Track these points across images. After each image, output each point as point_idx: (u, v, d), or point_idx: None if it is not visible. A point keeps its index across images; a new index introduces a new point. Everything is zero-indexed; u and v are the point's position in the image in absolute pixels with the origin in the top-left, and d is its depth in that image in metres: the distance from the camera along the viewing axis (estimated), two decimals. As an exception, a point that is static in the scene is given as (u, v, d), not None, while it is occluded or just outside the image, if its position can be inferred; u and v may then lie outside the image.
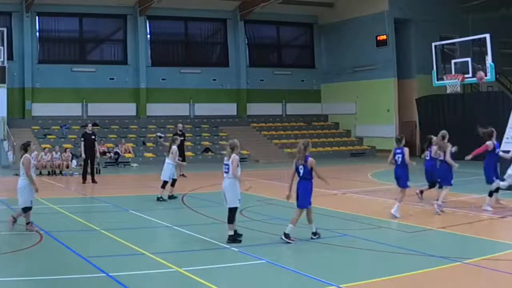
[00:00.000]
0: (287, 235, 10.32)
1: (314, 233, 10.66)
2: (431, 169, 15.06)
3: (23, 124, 30.44)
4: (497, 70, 28.16)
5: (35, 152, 24.30)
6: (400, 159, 13.00)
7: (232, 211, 10.45)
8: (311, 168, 10.56)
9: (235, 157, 10.40)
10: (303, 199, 10.55)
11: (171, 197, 16.20)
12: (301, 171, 10.61)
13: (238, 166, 10.45)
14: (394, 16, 33.44)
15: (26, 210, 11.32)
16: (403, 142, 13.26)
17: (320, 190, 18.30)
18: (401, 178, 13.08)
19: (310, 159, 10.57)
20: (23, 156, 11.39)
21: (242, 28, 36.48)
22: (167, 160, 16.33)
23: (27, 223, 11.37)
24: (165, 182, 16.21)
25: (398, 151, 13.08)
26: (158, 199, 15.95)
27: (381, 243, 10.26)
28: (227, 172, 10.43)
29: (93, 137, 21.32)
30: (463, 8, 33.10)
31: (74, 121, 31.79)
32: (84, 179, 20.70)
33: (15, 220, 11.31)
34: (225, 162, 10.51)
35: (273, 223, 12.59)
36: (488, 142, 14.10)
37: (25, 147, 11.54)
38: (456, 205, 14.50)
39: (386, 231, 11.68)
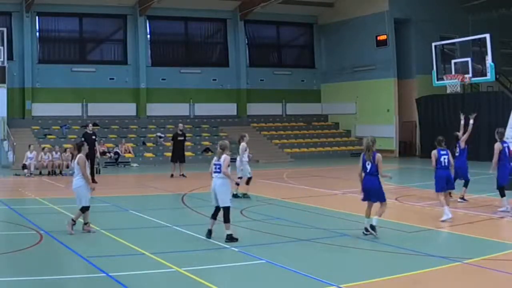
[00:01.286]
0: (373, 227, 10.64)
1: (372, 227, 10.69)
2: (463, 167, 15.03)
3: (23, 124, 30.44)
4: (497, 70, 28.17)
5: (34, 152, 24.36)
6: (446, 160, 12.69)
7: (227, 210, 10.51)
8: (377, 164, 10.68)
9: (226, 157, 10.62)
10: (382, 194, 10.82)
11: (245, 195, 16.22)
12: (369, 167, 10.70)
13: (228, 165, 10.59)
14: (394, 16, 33.43)
15: (84, 209, 11.23)
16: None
17: (320, 190, 18.39)
18: (451, 179, 12.97)
19: (378, 155, 10.70)
20: (78, 156, 11.27)
21: (242, 28, 36.47)
22: (244, 158, 16.36)
23: (85, 223, 11.31)
24: (249, 179, 16.28)
25: (444, 152, 12.72)
26: (244, 195, 16.08)
27: (381, 243, 10.25)
28: (218, 172, 10.57)
29: (93, 137, 21.32)
30: (463, 8, 33.09)
31: (74, 121, 31.77)
32: (84, 179, 20.65)
33: (74, 222, 11.16)
34: (215, 162, 10.68)
35: (273, 223, 12.59)
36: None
37: (79, 147, 11.45)
38: (456, 205, 14.49)
39: (386, 231, 11.66)
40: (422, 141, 32.74)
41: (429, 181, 17.16)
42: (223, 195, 10.51)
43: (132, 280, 8.00)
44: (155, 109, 34.10)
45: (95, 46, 34.50)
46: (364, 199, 10.90)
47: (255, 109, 36.43)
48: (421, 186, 18.67)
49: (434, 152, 12.81)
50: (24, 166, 23.78)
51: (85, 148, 11.66)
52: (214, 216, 10.69)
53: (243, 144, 16.43)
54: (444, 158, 12.69)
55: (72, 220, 11.21)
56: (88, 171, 11.45)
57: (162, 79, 34.51)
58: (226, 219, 10.46)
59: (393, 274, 8.28)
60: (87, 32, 33.98)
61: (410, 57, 33.84)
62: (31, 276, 8.17)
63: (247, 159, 16.38)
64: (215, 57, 36.97)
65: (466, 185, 15.18)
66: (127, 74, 33.74)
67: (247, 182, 16.36)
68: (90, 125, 22.66)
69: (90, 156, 20.99)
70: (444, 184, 12.72)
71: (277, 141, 33.99)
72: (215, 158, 10.77)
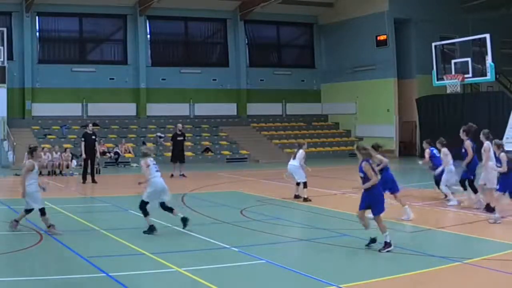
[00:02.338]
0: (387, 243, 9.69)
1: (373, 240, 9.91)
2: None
3: (23, 124, 30.44)
4: (497, 70, 28.19)
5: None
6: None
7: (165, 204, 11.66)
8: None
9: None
10: None
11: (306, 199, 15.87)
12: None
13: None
14: (394, 16, 33.43)
15: (42, 212, 11.12)
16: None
17: (319, 190, 18.38)
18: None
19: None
20: (28, 160, 11.24)
21: (242, 28, 36.48)
22: (294, 163, 16.22)
23: (49, 226, 11.13)
24: (304, 183, 16.07)
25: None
26: (305, 199, 15.71)
27: (381, 243, 10.23)
28: (159, 171, 11.73)
29: (93, 137, 21.33)
30: (463, 8, 33.09)
31: (74, 121, 31.78)
32: (84, 179, 20.70)
33: (17, 222, 11.20)
34: (154, 163, 11.84)
35: (273, 223, 12.58)
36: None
37: (31, 151, 11.31)
38: (456, 205, 14.48)
39: (386, 231, 11.66)
40: (422, 141, 32.67)
41: (429, 181, 17.19)
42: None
43: (132, 280, 8.01)
44: (155, 109, 34.11)
45: (95, 46, 34.53)
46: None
47: (255, 109, 36.43)
48: (421, 186, 18.67)
49: (380, 157, 12.66)
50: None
51: (38, 153, 11.63)
52: (170, 210, 11.53)
53: (302, 152, 16.11)
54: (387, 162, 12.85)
55: (15, 220, 11.17)
56: (33, 178, 11.19)
57: (162, 79, 34.52)
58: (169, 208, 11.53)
59: (393, 274, 8.28)
60: (87, 32, 34.00)
61: (410, 57, 33.84)
62: (31, 276, 8.17)
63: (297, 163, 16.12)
64: (215, 57, 36.99)
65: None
66: (127, 74, 33.76)
67: (305, 186, 16.14)
68: (90, 125, 22.66)
69: (91, 156, 21.10)
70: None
71: (277, 141, 33.98)
72: (151, 159, 11.87)
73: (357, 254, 9.67)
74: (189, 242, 10.73)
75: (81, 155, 21.64)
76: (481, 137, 13.54)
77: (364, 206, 9.81)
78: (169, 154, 25.30)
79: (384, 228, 9.71)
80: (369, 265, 9.01)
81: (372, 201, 9.74)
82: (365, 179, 9.73)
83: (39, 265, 8.86)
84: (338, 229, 11.60)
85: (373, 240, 9.82)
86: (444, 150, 14.72)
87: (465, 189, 14.36)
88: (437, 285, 7.98)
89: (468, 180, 14.12)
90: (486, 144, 13.23)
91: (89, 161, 21.00)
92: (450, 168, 14.68)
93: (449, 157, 14.74)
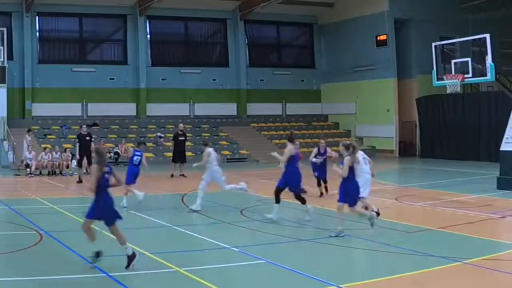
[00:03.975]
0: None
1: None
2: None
3: (23, 124, 30.37)
4: (497, 70, 28.17)
5: (34, 152, 24.34)
6: None
7: None
8: None
9: None
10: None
11: None
12: None
13: None
14: (394, 16, 33.44)
15: None
16: None
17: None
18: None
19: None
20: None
21: (242, 28, 36.48)
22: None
23: None
24: None
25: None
26: None
27: (381, 243, 10.25)
28: None
29: (87, 138, 21.38)
30: (463, 8, 33.07)
31: (74, 121, 31.76)
32: (80, 179, 20.73)
33: None
34: None
35: (273, 223, 12.57)
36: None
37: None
38: (456, 205, 14.49)
39: (386, 231, 11.66)
40: (422, 141, 32.76)
41: (429, 181, 17.21)
42: None
43: (132, 280, 8.01)
44: (155, 109, 34.11)
45: (95, 46, 34.52)
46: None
47: (255, 109, 36.43)
48: (421, 186, 18.66)
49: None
50: (27, 165, 23.72)
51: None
52: None
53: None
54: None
55: None
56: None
57: (162, 79, 34.53)
58: None
59: (393, 274, 8.28)
60: (87, 32, 33.99)
61: (410, 57, 33.85)
62: (31, 276, 8.17)
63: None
64: (215, 57, 36.98)
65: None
66: (127, 74, 33.76)
67: None
68: (84, 126, 22.87)
69: (86, 156, 21.14)
70: None
71: (277, 141, 33.94)
72: None
73: (357, 254, 9.67)
74: (189, 242, 10.73)
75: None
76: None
77: (93, 215, 9.15)
78: (170, 154, 25.29)
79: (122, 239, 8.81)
80: (369, 265, 9.01)
81: (103, 211, 9.24)
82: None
83: (39, 265, 8.86)
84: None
85: (97, 254, 8.75)
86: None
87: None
88: (437, 285, 7.98)
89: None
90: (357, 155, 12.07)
91: (84, 160, 21.08)
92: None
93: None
